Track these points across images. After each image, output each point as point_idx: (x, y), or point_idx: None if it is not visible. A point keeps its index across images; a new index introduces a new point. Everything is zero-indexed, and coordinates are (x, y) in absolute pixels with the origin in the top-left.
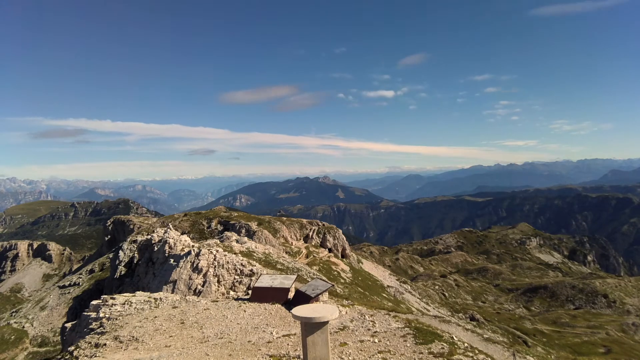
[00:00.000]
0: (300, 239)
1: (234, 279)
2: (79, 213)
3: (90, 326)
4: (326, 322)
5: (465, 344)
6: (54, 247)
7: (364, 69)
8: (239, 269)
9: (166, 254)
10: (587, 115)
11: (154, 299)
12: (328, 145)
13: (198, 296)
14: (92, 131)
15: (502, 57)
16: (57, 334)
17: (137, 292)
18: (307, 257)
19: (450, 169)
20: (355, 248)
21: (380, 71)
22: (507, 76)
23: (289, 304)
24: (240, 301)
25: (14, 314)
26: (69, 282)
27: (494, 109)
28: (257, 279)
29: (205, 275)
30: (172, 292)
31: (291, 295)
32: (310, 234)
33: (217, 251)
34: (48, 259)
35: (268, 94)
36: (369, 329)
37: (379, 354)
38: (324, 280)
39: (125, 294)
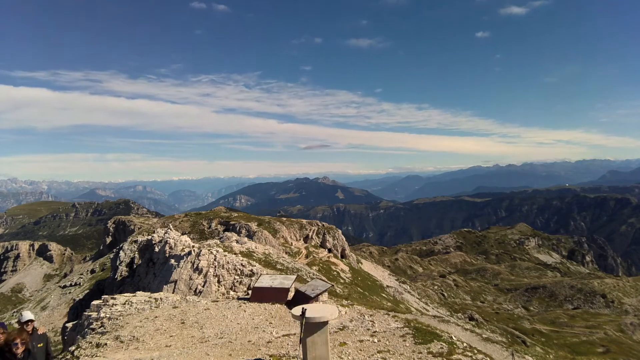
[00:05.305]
0: (300, 240)
1: (234, 279)
2: (80, 213)
3: (91, 326)
4: (326, 322)
5: (464, 344)
6: (55, 248)
7: None
8: (239, 269)
9: (167, 255)
10: None
11: (155, 299)
12: None
13: (198, 296)
14: None
15: None
16: (58, 334)
17: (138, 292)
18: (306, 257)
19: (449, 169)
20: (355, 248)
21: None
22: None
23: (289, 304)
24: (240, 301)
25: (15, 314)
26: (69, 282)
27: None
28: (257, 279)
29: (205, 276)
30: (173, 292)
31: (291, 295)
32: (310, 234)
33: (217, 251)
34: (49, 259)
35: None
36: (368, 329)
37: (378, 354)
38: (323, 281)
39: (125, 294)
